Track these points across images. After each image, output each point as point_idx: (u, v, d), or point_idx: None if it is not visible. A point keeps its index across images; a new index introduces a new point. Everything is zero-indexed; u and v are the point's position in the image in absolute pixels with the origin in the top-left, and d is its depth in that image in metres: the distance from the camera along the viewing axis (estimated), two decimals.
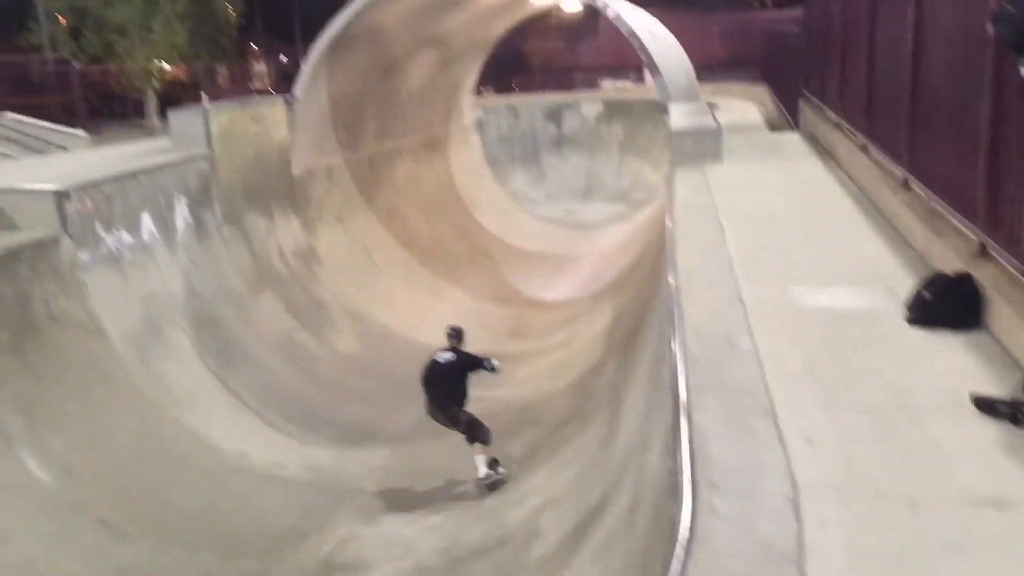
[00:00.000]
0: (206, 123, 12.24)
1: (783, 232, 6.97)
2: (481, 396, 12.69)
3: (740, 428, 3.58)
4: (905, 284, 5.47)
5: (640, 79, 33.44)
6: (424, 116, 19.53)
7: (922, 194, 6.51)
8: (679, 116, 11.47)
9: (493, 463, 9.77)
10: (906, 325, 4.74)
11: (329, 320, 13.82)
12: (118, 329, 10.11)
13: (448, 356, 10.13)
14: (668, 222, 7.70)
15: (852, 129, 9.66)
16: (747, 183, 9.19)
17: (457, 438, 10.07)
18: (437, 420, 10.05)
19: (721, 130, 10.48)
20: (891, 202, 7.18)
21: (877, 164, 8.22)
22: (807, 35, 14.01)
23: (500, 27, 21.90)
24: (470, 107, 22.97)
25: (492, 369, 10.04)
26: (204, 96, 12.56)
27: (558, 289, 17.38)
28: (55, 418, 8.72)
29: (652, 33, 15.02)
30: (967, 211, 5.22)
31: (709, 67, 25.89)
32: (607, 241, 20.72)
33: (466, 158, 22.22)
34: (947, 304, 4.64)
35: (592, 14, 41.52)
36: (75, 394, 9.22)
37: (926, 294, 4.75)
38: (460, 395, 9.96)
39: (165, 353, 10.71)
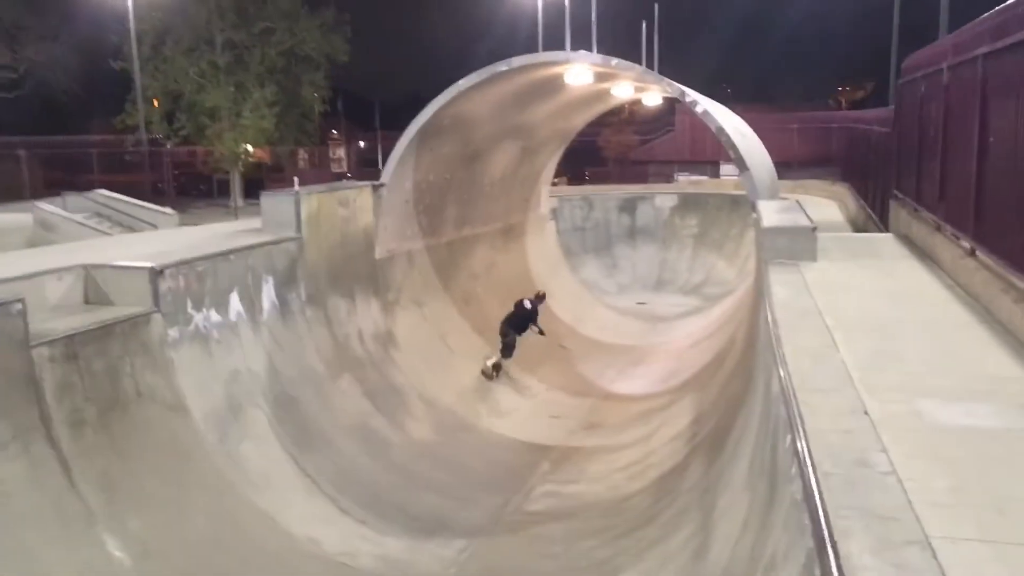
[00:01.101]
0: (296, 206, 12.38)
1: (898, 340, 6.61)
2: (555, 491, 12.38)
3: (895, 562, 3.23)
4: None
5: (716, 174, 33.53)
6: (503, 204, 19.61)
7: None
8: (770, 213, 11.22)
9: (497, 366, 15.73)
10: None
11: (404, 406, 13.64)
12: (201, 407, 10.06)
13: (528, 305, 16.64)
14: (769, 322, 7.38)
15: (956, 232, 9.29)
16: (848, 285, 8.85)
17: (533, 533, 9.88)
18: (502, 333, 16.12)
19: (816, 229, 10.19)
20: (1011, 311, 6.79)
21: (989, 270, 7.84)
22: (899, 135, 13.73)
23: (580, 119, 22.09)
24: (547, 196, 23.04)
25: (540, 332, 16.70)
26: (295, 180, 12.73)
27: (633, 382, 17.00)
28: (135, 497, 8.61)
29: (738, 130, 14.93)
30: None
31: (788, 164, 25.74)
32: (682, 335, 20.34)
33: (542, 246, 22.20)
34: None
35: (668, 109, 42.05)
36: (156, 472, 9.13)
37: None
38: (521, 328, 16.34)
39: (244, 432, 10.61)
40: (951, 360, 6.08)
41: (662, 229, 28.81)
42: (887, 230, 14.09)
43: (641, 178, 35.08)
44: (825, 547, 3.39)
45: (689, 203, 29.03)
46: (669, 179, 34.50)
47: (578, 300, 22.37)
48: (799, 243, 10.06)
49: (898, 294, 8.51)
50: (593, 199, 29.50)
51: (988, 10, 8.43)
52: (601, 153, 42.89)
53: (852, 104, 53.46)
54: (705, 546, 7.60)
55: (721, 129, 13.11)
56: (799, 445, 4.48)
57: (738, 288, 22.56)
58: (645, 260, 28.51)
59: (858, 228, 18.25)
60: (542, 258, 21.88)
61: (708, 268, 26.56)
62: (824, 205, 21.49)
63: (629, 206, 29.39)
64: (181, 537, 9.01)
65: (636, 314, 23.74)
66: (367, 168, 48.22)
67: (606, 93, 18.88)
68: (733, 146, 12.95)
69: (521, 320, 16.31)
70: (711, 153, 34.97)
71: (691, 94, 13.61)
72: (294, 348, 12.14)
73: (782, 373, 5.85)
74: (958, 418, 4.85)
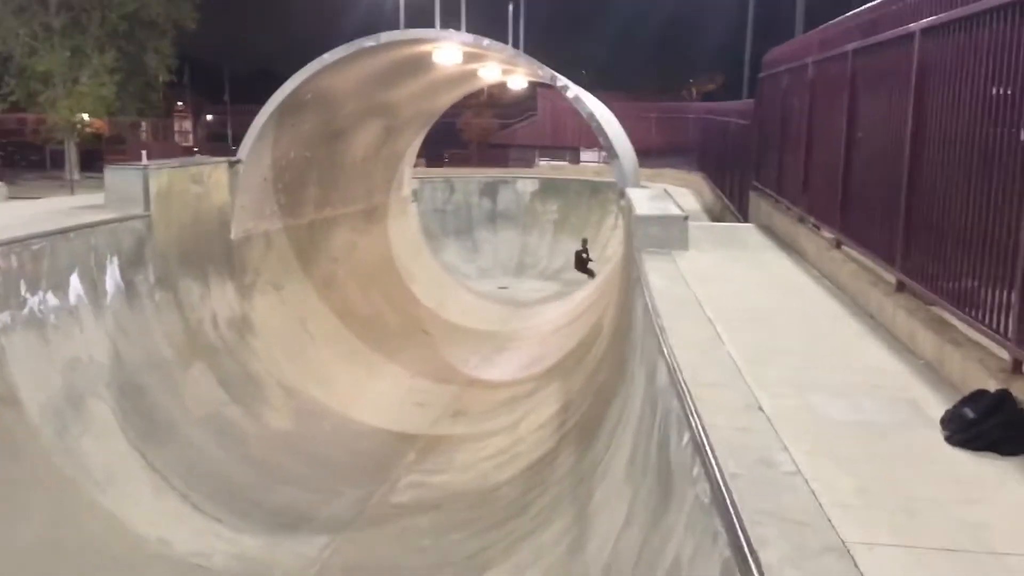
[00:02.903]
0: (145, 181, 11.52)
1: (778, 332, 6.64)
2: (421, 482, 12.08)
3: (816, 572, 3.10)
4: (923, 396, 5.17)
5: (576, 160, 33.78)
6: (366, 185, 19.06)
7: (922, 299, 6.27)
8: (641, 202, 11.23)
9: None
10: (946, 445, 4.38)
11: (261, 395, 12.99)
12: (36, 399, 9.21)
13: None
14: (650, 311, 7.30)
15: (821, 224, 9.52)
16: (721, 275, 8.91)
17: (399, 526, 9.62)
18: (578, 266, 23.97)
19: (688, 218, 10.25)
20: (880, 303, 6.94)
21: (856, 262, 8.03)
22: (759, 127, 14.05)
23: (445, 100, 21.75)
24: (409, 178, 22.60)
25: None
26: (143, 154, 11.83)
27: (498, 368, 16.86)
28: None
29: (604, 118, 14.94)
30: (995, 327, 4.93)
31: (646, 152, 26.14)
32: (544, 320, 20.37)
33: (404, 229, 21.76)
34: (992, 424, 4.29)
35: (529, 94, 42.13)
36: None
37: (969, 412, 4.40)
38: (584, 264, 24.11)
39: (85, 426, 9.79)
40: (831, 353, 6.14)
41: (523, 214, 28.88)
42: (746, 220, 14.42)
43: (502, 162, 35.06)
44: (745, 557, 3.23)
45: (550, 188, 29.20)
46: (530, 164, 34.57)
47: (440, 285, 22.08)
48: (671, 232, 10.09)
49: (769, 284, 8.63)
50: (455, 182, 29.26)
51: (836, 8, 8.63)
52: (460, 135, 42.58)
53: (703, 96, 55.16)
54: (581, 540, 7.47)
55: (592, 115, 13.06)
56: (700, 443, 4.34)
57: (599, 274, 22.82)
58: (506, 244, 28.52)
59: (715, 217, 18.70)
60: (404, 241, 21.44)
61: (568, 254, 26.80)
62: (681, 194, 21.92)
63: (490, 190, 29.29)
64: (12, 542, 8.22)
65: (498, 299, 23.67)
66: (216, 143, 46.15)
67: (473, 74, 18.58)
68: (603, 133, 12.92)
69: (581, 261, 24.55)
70: (572, 139, 35.29)
71: (562, 79, 13.51)
72: (141, 334, 11.31)
73: (671, 365, 5.75)
74: (848, 413, 4.85)
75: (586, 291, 21.29)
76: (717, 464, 4.00)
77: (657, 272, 8.72)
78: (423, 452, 12.94)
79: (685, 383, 5.25)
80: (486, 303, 22.58)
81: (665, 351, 6.10)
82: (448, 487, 11.69)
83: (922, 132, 6.33)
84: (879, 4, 8.03)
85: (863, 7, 8.68)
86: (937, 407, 4.90)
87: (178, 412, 11.33)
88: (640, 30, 72.20)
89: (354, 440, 13.21)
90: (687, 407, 4.89)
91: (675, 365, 5.66)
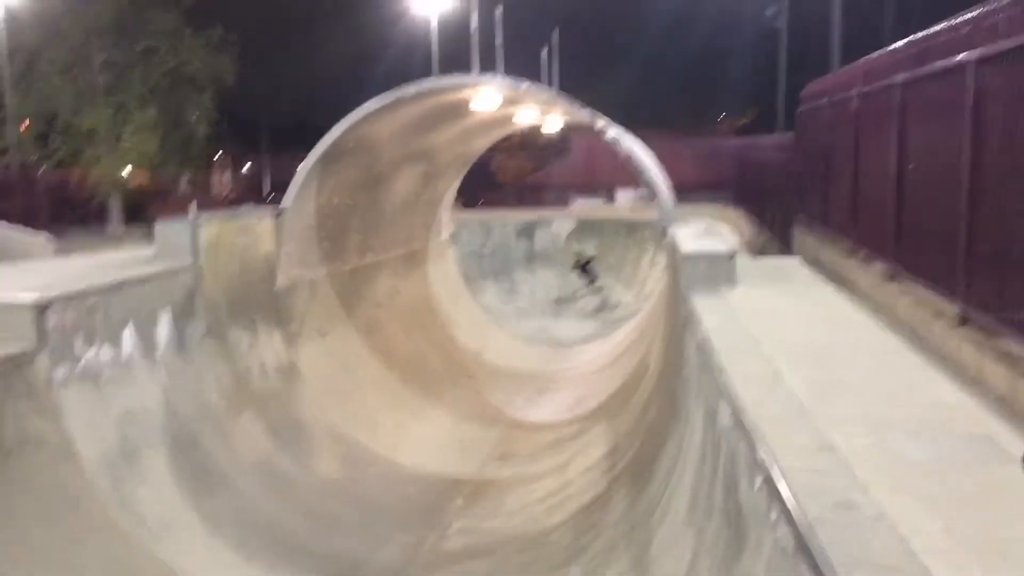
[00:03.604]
0: (194, 234, 11.65)
1: (840, 368, 6.51)
2: (472, 528, 11.95)
3: None
4: (999, 431, 5.03)
5: (611, 199, 33.80)
6: (406, 229, 19.17)
7: (989, 332, 6.12)
8: (686, 239, 11.15)
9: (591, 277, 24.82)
10: None
11: (309, 442, 12.97)
12: (92, 451, 9.24)
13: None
14: (705, 349, 7.20)
15: (874, 257, 9.38)
16: (773, 310, 8.80)
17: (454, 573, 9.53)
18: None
19: (735, 254, 10.15)
20: (945, 337, 6.79)
21: (912, 295, 7.89)
22: (802, 160, 13.96)
23: (481, 144, 21.89)
24: (447, 222, 22.70)
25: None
26: (192, 206, 11.98)
27: (542, 410, 16.73)
28: (19, 552, 7.78)
29: (643, 157, 14.92)
30: None
31: (681, 189, 26.08)
32: (585, 360, 20.24)
33: (443, 273, 21.83)
34: None
35: (560, 135, 42.38)
36: (42, 524, 8.29)
37: None
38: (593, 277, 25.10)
39: (139, 477, 9.81)
40: (897, 388, 5.99)
41: (560, 253, 28.89)
42: (790, 254, 14.28)
43: (537, 203, 35.18)
44: None
45: (586, 228, 29.21)
46: (565, 204, 34.66)
47: (480, 327, 22.05)
48: (718, 268, 10.01)
49: (823, 319, 8.49)
50: (491, 224, 29.38)
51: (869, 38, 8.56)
52: (494, 178, 42.83)
53: (737, 131, 55.09)
54: None
55: (632, 155, 13.05)
56: (776, 486, 4.23)
57: (638, 312, 22.67)
58: (543, 285, 28.50)
59: (757, 252, 18.54)
60: (444, 284, 21.49)
61: (606, 292, 26.66)
62: (721, 231, 21.81)
63: (527, 231, 29.39)
64: None
65: (538, 340, 23.60)
66: (253, 194, 46.81)
67: (510, 118, 18.70)
68: (645, 172, 12.89)
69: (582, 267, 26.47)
70: (607, 178, 35.36)
71: (602, 118, 13.53)
72: (192, 384, 11.36)
73: (734, 405, 5.64)
74: (925, 451, 4.71)
75: (625, 330, 21.15)
76: (798, 508, 3.89)
77: (709, 309, 8.63)
78: (471, 497, 12.82)
79: (751, 423, 5.15)
80: (526, 344, 22.51)
81: (726, 390, 5.99)
82: (499, 532, 11.55)
83: (982, 161, 6.22)
84: (927, 36, 7.97)
85: (908, 39, 8.62)
86: (1015, 443, 4.76)
87: (229, 461, 11.33)
88: (669, 66, 72.49)
89: (402, 485, 13.13)
90: (757, 448, 4.78)
91: (738, 404, 5.56)
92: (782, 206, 16.29)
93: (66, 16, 32.63)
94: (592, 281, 25.38)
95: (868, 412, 5.39)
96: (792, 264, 12.61)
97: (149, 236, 12.51)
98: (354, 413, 14.31)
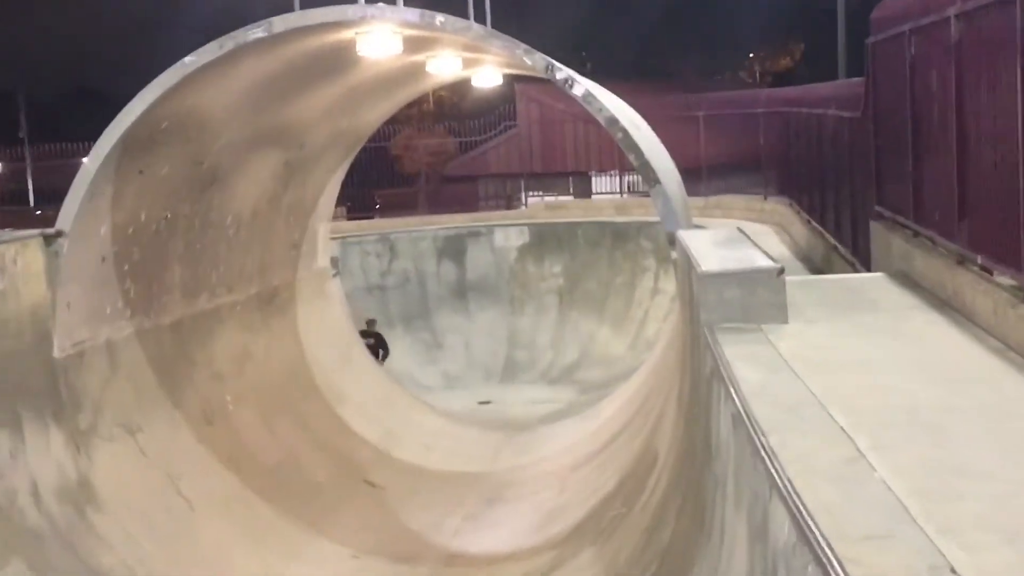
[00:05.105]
0: None
1: (958, 444, 6.52)
2: None
3: None
4: None
5: (586, 192, 34.10)
6: (259, 255, 19.14)
7: None
8: (705, 250, 11.19)
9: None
10: None
11: None
12: None
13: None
14: (743, 424, 7.18)
15: (997, 265, 9.46)
16: (848, 358, 8.86)
17: None
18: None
19: (783, 272, 10.19)
20: None
21: None
22: (876, 120, 14.15)
23: (376, 114, 21.95)
24: (326, 239, 22.68)
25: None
26: None
27: (494, 532, 16.72)
28: None
29: (633, 123, 15.04)
30: None
31: (694, 171, 26.41)
32: (558, 450, 20.31)
33: (323, 319, 21.84)
34: None
35: (507, 99, 42.62)
36: None
37: None
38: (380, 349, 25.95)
39: None
40: None
41: (508, 282, 28.99)
42: (870, 267, 14.46)
43: (467, 203, 35.33)
44: None
45: (547, 238, 29.41)
46: (512, 202, 34.87)
47: (386, 404, 22.13)
48: (759, 295, 10.01)
49: (926, 367, 8.56)
50: (397, 240, 29.42)
51: None
52: (398, 166, 42.91)
53: (775, 77, 56.13)
54: None
55: (615, 122, 13.11)
56: None
57: (636, 369, 22.80)
58: (485, 333, 28.58)
59: (817, 266, 18.76)
60: (325, 339, 21.48)
61: (584, 340, 26.82)
62: (758, 233, 22.03)
63: (454, 248, 29.50)
64: None
65: (479, 420, 23.63)
66: (11, 206, 46.25)
67: (419, 70, 18.77)
68: (635, 148, 12.95)
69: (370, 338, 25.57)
70: (576, 161, 35.65)
71: (563, 69, 13.59)
72: None
73: (794, 509, 5.60)
74: None
75: (618, 399, 21.26)
76: None
77: (748, 360, 8.63)
78: None
79: (826, 539, 5.11)
80: (461, 428, 22.57)
81: (781, 487, 5.96)
82: None
83: None
84: None
85: None
86: None
87: None
88: None
89: None
90: None
91: (802, 509, 5.52)
92: (850, 193, 16.47)
93: None
94: (380, 356, 25.63)
95: (1005, 512, 5.40)
96: (872, 283, 12.75)
97: None
98: (188, 555, 14.13)
